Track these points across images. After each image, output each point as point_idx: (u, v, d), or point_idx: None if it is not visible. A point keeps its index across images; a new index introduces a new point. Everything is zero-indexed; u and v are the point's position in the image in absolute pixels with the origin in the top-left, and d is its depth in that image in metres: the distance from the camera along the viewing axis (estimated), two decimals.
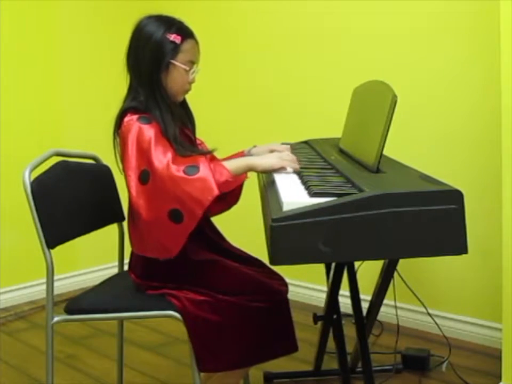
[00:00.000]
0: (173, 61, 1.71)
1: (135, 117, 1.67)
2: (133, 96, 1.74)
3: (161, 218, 1.58)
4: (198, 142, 1.88)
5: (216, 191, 1.54)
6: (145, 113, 1.68)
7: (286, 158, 1.69)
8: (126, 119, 1.68)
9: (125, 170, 1.66)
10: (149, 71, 1.71)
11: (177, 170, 1.56)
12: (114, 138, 1.74)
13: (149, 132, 1.63)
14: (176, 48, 1.71)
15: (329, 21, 2.93)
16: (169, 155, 1.59)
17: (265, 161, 1.67)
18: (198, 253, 1.74)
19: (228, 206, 1.91)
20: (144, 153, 1.61)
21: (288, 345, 1.80)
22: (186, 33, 1.74)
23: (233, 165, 1.64)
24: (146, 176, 1.60)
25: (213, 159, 1.87)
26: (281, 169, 1.66)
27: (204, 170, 1.56)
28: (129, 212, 1.74)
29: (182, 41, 1.71)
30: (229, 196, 1.88)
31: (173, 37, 1.70)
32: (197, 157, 1.63)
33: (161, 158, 1.59)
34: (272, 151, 1.85)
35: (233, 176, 1.62)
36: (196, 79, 1.78)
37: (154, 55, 1.70)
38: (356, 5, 2.81)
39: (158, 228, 1.61)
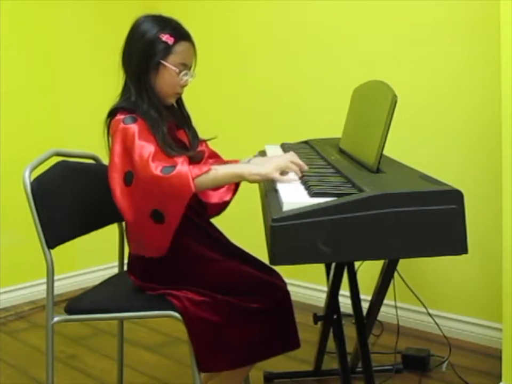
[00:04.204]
0: (163, 62, 1.70)
1: (121, 117, 1.66)
2: (124, 95, 1.74)
3: (145, 220, 1.60)
4: (200, 141, 1.87)
5: (192, 188, 1.53)
6: (133, 113, 1.68)
7: (282, 163, 1.58)
8: (113, 120, 1.68)
9: (109, 172, 1.66)
10: (138, 69, 1.70)
11: (155, 169, 1.56)
12: (107, 138, 1.73)
13: (133, 129, 1.63)
14: (167, 48, 1.69)
15: (329, 21, 2.92)
16: (152, 151, 1.59)
17: (257, 170, 1.57)
18: (198, 252, 1.75)
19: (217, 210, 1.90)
20: (128, 152, 1.61)
21: (290, 343, 1.80)
22: (180, 35, 1.72)
23: (220, 169, 1.60)
24: (130, 177, 1.61)
25: (213, 157, 1.88)
26: (277, 180, 1.56)
27: (181, 167, 1.55)
28: None
29: (175, 42, 1.70)
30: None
31: (166, 37, 1.69)
32: (177, 158, 1.61)
33: (143, 155, 1.58)
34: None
35: (215, 171, 1.57)
36: (190, 83, 1.76)
37: (145, 53, 1.69)
38: (356, 5, 2.81)
39: (143, 229, 1.63)
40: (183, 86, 1.76)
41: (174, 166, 1.56)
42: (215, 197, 1.85)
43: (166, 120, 1.72)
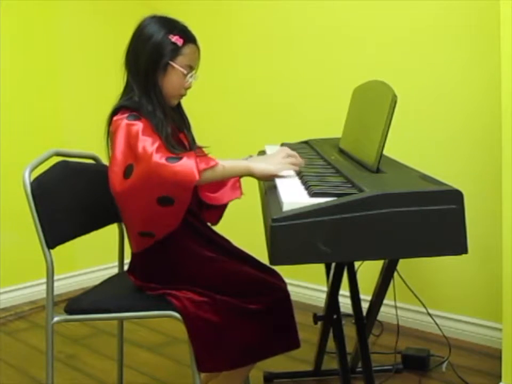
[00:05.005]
0: (171, 63, 1.71)
1: (124, 115, 1.67)
2: (127, 94, 1.74)
3: (152, 206, 1.59)
4: (197, 146, 1.87)
5: (196, 176, 1.53)
6: (136, 111, 1.68)
7: (287, 159, 1.66)
8: (115, 118, 1.68)
9: (110, 167, 1.66)
10: (146, 70, 1.71)
11: (160, 158, 1.56)
12: (107, 136, 1.74)
13: (137, 126, 1.63)
14: (176, 50, 1.71)
15: (329, 21, 2.92)
16: (156, 145, 1.59)
17: (266, 167, 1.62)
18: (198, 252, 1.74)
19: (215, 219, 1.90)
20: (131, 148, 1.61)
21: (290, 343, 1.80)
22: (189, 37, 1.74)
23: (228, 162, 1.63)
24: (130, 170, 1.60)
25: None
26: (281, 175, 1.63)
27: (187, 159, 1.56)
28: None
29: (184, 44, 1.72)
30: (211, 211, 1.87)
31: (175, 39, 1.70)
32: (184, 153, 1.63)
33: (147, 147, 1.58)
34: None
35: (222, 166, 1.60)
36: (192, 85, 1.77)
37: (154, 53, 1.70)
38: (356, 5, 2.81)
39: (152, 215, 1.62)
40: (187, 88, 1.77)
41: (180, 158, 1.57)
42: (225, 197, 1.84)
43: (170, 121, 1.72)
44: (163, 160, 1.55)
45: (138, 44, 1.73)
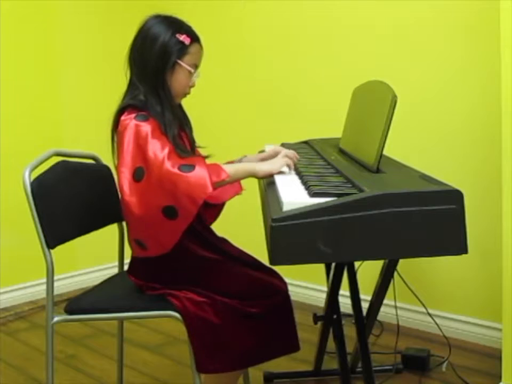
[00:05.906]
0: (179, 61, 1.72)
1: (132, 115, 1.66)
2: (132, 93, 1.74)
3: (155, 214, 1.58)
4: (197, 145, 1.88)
5: (210, 189, 1.54)
6: (143, 111, 1.68)
7: (287, 156, 1.71)
8: (123, 117, 1.68)
9: (118, 167, 1.65)
10: (154, 69, 1.71)
11: (173, 166, 1.56)
12: (112, 136, 1.73)
13: (146, 128, 1.63)
14: (184, 48, 1.72)
15: (329, 21, 2.92)
16: (166, 150, 1.59)
17: (267, 166, 1.66)
18: (199, 253, 1.74)
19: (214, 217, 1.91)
20: (140, 149, 1.61)
21: (289, 345, 1.80)
22: (195, 36, 1.75)
23: (232, 168, 1.64)
24: (140, 173, 1.60)
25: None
26: (282, 172, 1.67)
27: (200, 168, 1.56)
28: None
29: (191, 43, 1.73)
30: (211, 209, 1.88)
31: (183, 38, 1.71)
32: (194, 158, 1.64)
33: (158, 152, 1.58)
34: (264, 159, 1.83)
35: (231, 177, 1.61)
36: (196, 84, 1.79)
37: (163, 53, 1.70)
38: (355, 5, 2.81)
39: (152, 224, 1.61)
40: (192, 87, 1.78)
41: (193, 166, 1.56)
42: (226, 195, 1.85)
43: (177, 121, 1.73)
44: (176, 170, 1.55)
45: (145, 44, 1.72)
